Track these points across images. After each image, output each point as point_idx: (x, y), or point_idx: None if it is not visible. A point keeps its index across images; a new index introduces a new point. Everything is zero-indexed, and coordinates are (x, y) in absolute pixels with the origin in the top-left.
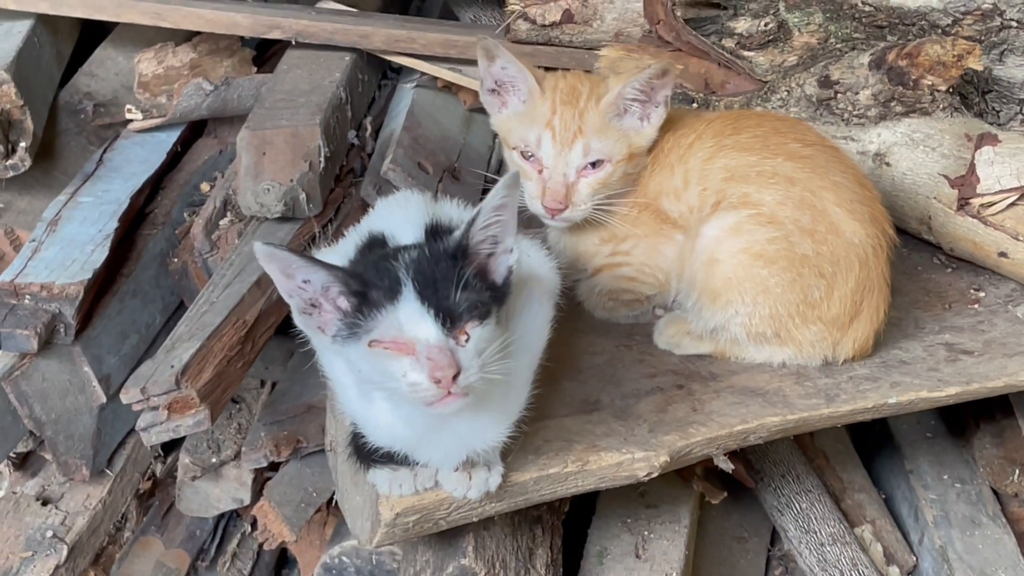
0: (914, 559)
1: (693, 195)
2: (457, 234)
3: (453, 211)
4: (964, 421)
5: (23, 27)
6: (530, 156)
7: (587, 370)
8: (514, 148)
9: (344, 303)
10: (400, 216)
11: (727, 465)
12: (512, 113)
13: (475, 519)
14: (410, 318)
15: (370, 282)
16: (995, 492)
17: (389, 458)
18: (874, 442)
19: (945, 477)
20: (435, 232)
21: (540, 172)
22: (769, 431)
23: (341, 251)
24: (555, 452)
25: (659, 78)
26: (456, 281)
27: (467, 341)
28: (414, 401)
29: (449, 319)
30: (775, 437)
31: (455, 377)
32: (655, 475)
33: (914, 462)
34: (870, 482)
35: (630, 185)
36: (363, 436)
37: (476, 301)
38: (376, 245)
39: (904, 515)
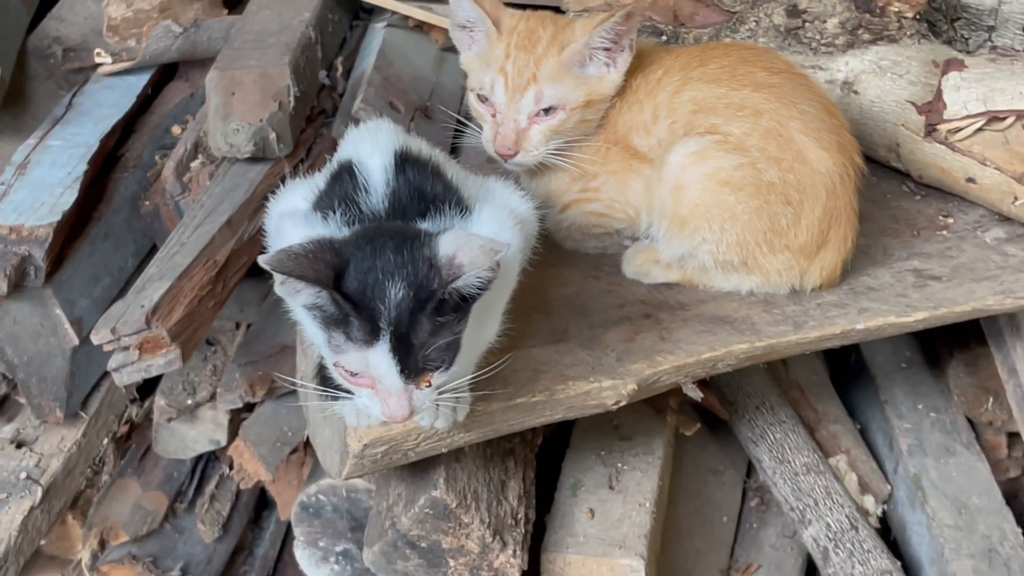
0: (889, 488)
1: (662, 128)
2: (439, 289)
3: (423, 145)
4: (938, 351)
5: None
6: (485, 100)
7: (555, 301)
8: (471, 90)
9: (327, 309)
10: (369, 142)
11: (696, 393)
12: (476, 52)
13: (444, 450)
14: (378, 364)
15: (354, 315)
16: (970, 421)
17: None
18: (849, 374)
19: (920, 407)
20: (404, 158)
21: (493, 116)
22: (737, 358)
23: (313, 183)
24: (522, 382)
25: (624, 23)
26: (430, 334)
27: (427, 387)
28: None
29: (414, 373)
30: (743, 365)
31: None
32: (623, 403)
33: (889, 392)
34: (845, 413)
35: (590, 131)
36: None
37: (445, 352)
38: (345, 173)
39: (879, 445)
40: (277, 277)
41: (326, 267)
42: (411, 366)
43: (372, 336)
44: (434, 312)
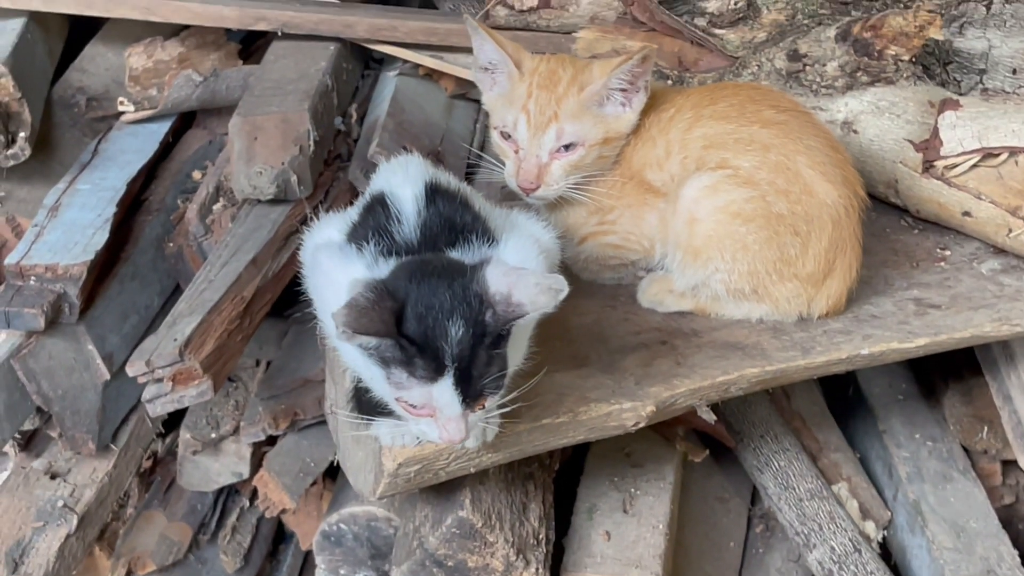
0: (889, 514)
1: (675, 163)
2: (494, 324)
3: (452, 178)
4: (934, 382)
5: (16, 25)
6: (508, 137)
7: (575, 329)
8: (495, 128)
9: (388, 351)
10: (400, 174)
11: (710, 416)
12: (499, 93)
13: (472, 470)
14: (441, 397)
15: (418, 356)
16: (965, 449)
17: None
18: (848, 406)
19: (917, 436)
20: (434, 189)
21: (516, 152)
22: (749, 382)
23: (346, 216)
24: (547, 404)
25: (640, 66)
26: (487, 364)
27: (481, 409)
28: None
29: (474, 400)
30: (754, 389)
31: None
32: (642, 424)
33: (887, 422)
34: (845, 442)
35: (607, 167)
36: (367, 391)
37: (498, 379)
38: (378, 204)
39: (878, 473)
40: (339, 327)
41: (389, 315)
42: (471, 395)
43: (436, 373)
44: (491, 345)
